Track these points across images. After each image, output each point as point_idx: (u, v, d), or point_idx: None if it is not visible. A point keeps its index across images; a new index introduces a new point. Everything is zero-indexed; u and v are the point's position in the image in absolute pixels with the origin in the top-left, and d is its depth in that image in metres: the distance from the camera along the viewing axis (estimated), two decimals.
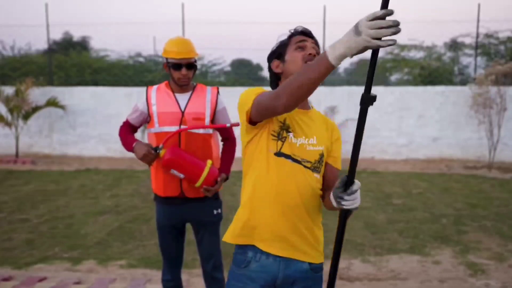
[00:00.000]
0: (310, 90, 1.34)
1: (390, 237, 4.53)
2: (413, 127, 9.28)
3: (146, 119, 2.58)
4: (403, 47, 15.00)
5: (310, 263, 1.63)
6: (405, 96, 9.32)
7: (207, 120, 2.51)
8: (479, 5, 9.62)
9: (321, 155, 1.65)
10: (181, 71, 2.47)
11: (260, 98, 1.51)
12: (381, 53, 13.04)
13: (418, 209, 5.56)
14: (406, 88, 9.77)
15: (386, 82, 13.82)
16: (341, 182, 1.41)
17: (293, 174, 1.59)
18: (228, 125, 2.50)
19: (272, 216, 1.58)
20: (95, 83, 11.01)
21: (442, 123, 9.18)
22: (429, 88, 9.44)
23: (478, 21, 9.81)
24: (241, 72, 22.88)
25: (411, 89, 9.65)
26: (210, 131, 2.53)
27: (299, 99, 1.37)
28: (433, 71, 11.68)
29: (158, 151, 2.43)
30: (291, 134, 1.60)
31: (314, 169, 1.62)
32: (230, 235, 1.66)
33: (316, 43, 1.66)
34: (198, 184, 2.43)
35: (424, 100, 9.24)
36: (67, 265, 3.73)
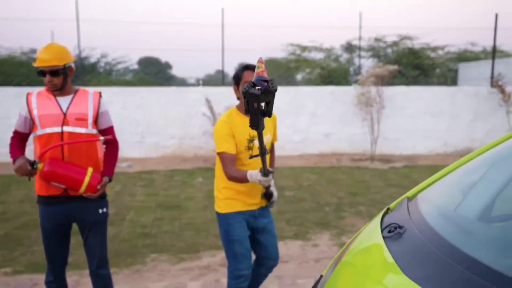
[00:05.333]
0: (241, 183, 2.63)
1: (278, 226, 4.92)
2: (307, 125, 9.97)
3: (31, 124, 2.62)
4: (304, 48, 15.90)
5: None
6: (300, 95, 9.98)
7: (90, 121, 2.62)
8: (360, 13, 10.65)
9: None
10: (46, 78, 2.57)
11: (222, 157, 2.59)
12: (284, 53, 13.97)
13: (306, 200, 6.09)
14: (301, 88, 10.45)
15: (292, 82, 14.65)
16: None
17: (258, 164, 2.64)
18: (101, 138, 2.64)
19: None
20: None
21: (332, 120, 9.99)
22: (321, 88, 10.21)
23: (360, 27, 10.83)
24: (150, 71, 22.23)
25: (305, 89, 10.35)
26: (94, 130, 2.64)
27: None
28: (332, 71, 12.62)
29: (35, 166, 2.49)
30: (255, 141, 2.65)
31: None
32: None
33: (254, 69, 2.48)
34: (80, 191, 2.55)
35: (317, 99, 9.97)
36: None
